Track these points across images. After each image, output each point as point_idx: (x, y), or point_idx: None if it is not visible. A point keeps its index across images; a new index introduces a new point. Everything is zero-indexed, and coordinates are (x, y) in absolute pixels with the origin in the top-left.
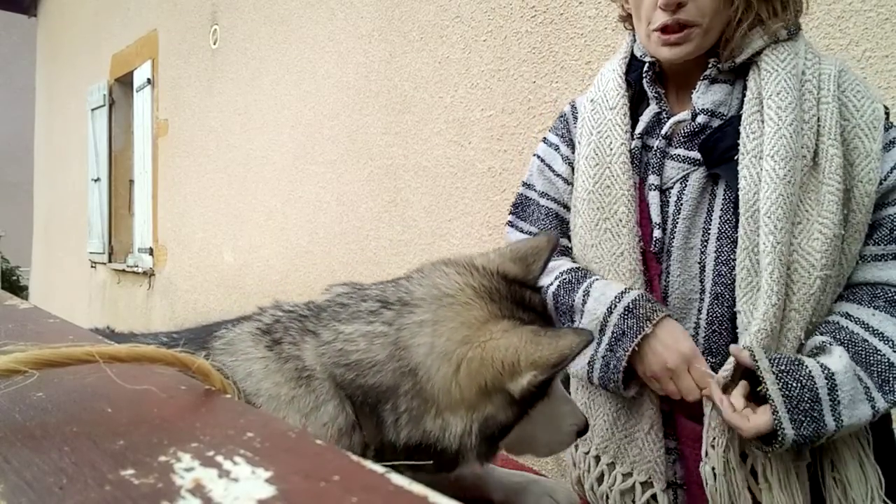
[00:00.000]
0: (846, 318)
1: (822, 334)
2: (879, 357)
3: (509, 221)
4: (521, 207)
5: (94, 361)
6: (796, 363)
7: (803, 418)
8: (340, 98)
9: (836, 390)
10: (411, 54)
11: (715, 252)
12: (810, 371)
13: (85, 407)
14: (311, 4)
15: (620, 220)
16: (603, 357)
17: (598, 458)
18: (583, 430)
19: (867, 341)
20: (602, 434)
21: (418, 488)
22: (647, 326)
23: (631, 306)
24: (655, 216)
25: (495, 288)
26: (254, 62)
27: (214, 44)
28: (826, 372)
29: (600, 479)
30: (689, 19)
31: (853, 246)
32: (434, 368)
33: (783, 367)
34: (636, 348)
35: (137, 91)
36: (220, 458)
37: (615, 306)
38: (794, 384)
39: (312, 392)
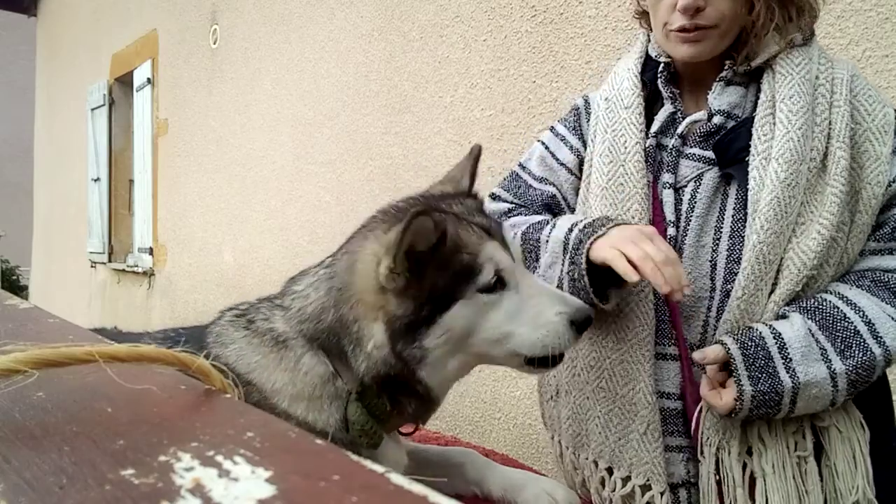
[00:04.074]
0: (825, 291)
1: (792, 304)
2: (846, 324)
3: (493, 193)
4: (511, 183)
5: (94, 361)
6: (747, 329)
7: (759, 374)
8: (340, 98)
9: (786, 348)
10: (411, 54)
11: (727, 250)
12: (760, 332)
13: (85, 406)
14: (311, 4)
15: (634, 217)
16: (568, 273)
17: (596, 463)
18: (579, 319)
19: (837, 308)
20: (596, 438)
21: (418, 488)
22: (602, 230)
23: (590, 222)
24: (669, 214)
25: (407, 205)
26: (254, 62)
27: (214, 43)
28: (774, 332)
29: (602, 484)
30: (707, 23)
31: (856, 246)
32: (351, 281)
33: (737, 334)
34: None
35: (137, 91)
36: (219, 458)
37: (576, 226)
38: (749, 343)
39: (291, 350)
